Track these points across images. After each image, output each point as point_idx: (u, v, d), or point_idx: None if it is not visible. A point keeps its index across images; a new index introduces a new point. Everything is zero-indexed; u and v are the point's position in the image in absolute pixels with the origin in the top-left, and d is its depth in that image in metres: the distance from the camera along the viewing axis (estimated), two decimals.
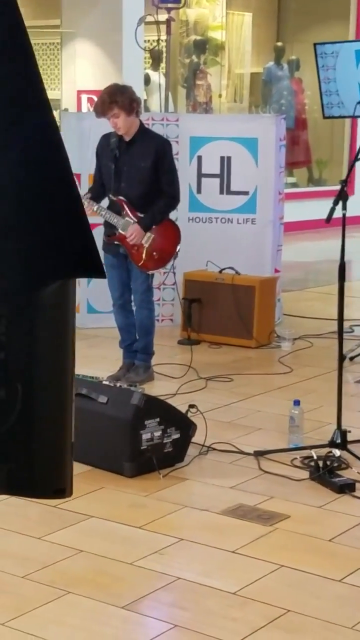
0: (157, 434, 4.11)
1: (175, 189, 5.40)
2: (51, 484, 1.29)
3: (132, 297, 5.57)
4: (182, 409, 4.36)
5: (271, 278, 6.81)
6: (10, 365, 1.29)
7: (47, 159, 1.30)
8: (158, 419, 4.12)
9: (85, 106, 10.97)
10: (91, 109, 10.62)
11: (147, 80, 11.81)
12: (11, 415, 1.28)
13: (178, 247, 5.48)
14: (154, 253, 5.41)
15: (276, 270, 7.08)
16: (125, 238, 5.36)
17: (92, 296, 6.91)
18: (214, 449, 4.40)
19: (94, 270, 1.29)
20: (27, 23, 1.41)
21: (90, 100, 10.91)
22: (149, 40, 11.18)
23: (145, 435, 4.08)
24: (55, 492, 1.30)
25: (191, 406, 4.40)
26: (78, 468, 4.12)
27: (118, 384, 4.34)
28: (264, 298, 6.54)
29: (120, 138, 5.34)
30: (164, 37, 7.77)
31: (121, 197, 5.34)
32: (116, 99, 5.19)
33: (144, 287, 5.50)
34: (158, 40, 7.99)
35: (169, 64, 8.53)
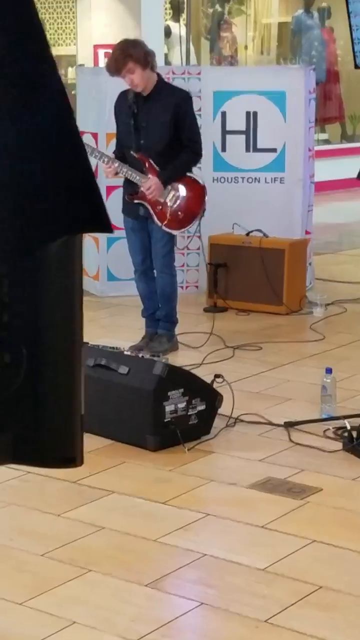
0: (182, 405, 4.12)
1: (198, 144, 5.39)
2: (60, 452, 1.29)
3: (154, 261, 5.56)
4: (208, 379, 4.36)
5: (302, 240, 6.77)
6: (14, 327, 1.29)
7: (54, 122, 1.29)
8: (182, 390, 4.12)
9: (103, 61, 10.90)
10: None
11: (167, 32, 11.71)
12: (17, 379, 1.29)
13: (204, 206, 5.47)
14: (179, 212, 5.40)
15: (307, 233, 7.03)
16: (147, 195, 5.35)
17: (112, 263, 6.91)
18: (242, 421, 4.41)
19: (100, 224, 1.28)
20: None
21: (107, 55, 10.84)
22: None
23: (169, 407, 4.09)
24: (64, 461, 1.30)
25: (217, 376, 4.40)
26: (98, 442, 4.14)
27: (140, 354, 4.34)
28: (294, 262, 6.50)
29: (137, 94, 5.32)
30: None
31: (142, 154, 5.33)
32: (129, 52, 5.17)
33: (165, 250, 5.49)
34: None
35: (191, 15, 8.47)
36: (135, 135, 5.34)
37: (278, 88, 6.83)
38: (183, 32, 9.40)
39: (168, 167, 5.33)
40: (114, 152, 5.54)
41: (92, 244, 6.95)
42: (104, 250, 6.89)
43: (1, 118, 1.30)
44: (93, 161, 5.47)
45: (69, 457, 1.28)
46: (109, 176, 5.43)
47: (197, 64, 11.01)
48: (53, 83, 1.34)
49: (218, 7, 13.10)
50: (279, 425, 4.35)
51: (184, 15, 10.58)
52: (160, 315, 5.62)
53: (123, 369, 4.19)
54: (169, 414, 4.09)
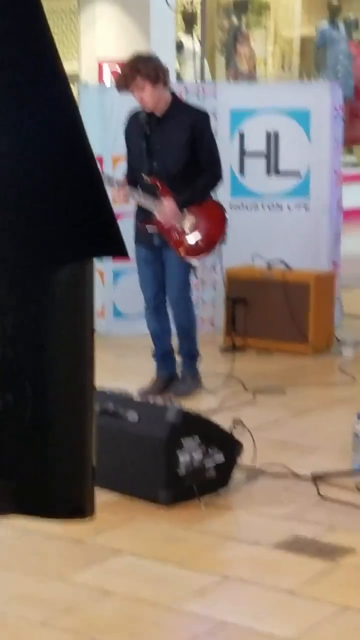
0: (197, 455, 4.11)
1: (217, 166, 5.45)
2: (68, 502, 1.29)
3: (167, 295, 5.59)
4: (227, 426, 4.35)
5: (329, 273, 6.79)
6: (19, 363, 1.29)
7: (62, 134, 1.32)
8: (198, 438, 4.12)
9: (108, 78, 11.04)
10: (114, 81, 10.66)
11: (179, 46, 11.86)
12: (21, 421, 1.29)
13: (225, 232, 5.50)
14: (198, 239, 5.45)
15: (334, 264, 7.05)
16: (162, 223, 5.39)
17: (119, 298, 6.94)
18: (264, 472, 4.39)
19: (115, 248, 1.29)
20: None
21: (113, 71, 10.98)
22: (181, 2, 11.24)
23: (183, 458, 4.08)
24: (73, 512, 1.30)
25: (236, 422, 4.40)
26: (104, 496, 4.13)
27: (150, 399, 4.35)
28: (321, 297, 6.51)
29: (150, 114, 5.39)
30: None
31: (156, 178, 5.38)
32: (138, 67, 5.24)
33: (182, 281, 5.53)
34: (191, 1, 8.01)
35: (205, 28, 8.56)
36: (147, 159, 5.40)
37: (301, 106, 6.90)
38: (196, 46, 9.51)
39: (185, 192, 5.38)
40: (124, 177, 5.59)
41: (96, 277, 6.96)
42: (110, 283, 6.93)
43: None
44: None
45: (78, 508, 1.28)
46: (118, 202, 5.48)
47: (212, 81, 11.14)
48: (59, 93, 1.36)
49: (234, 19, 13.27)
50: (305, 478, 4.33)
51: (197, 28, 10.72)
52: (180, 353, 5.65)
53: (132, 416, 4.19)
54: (184, 465, 4.08)
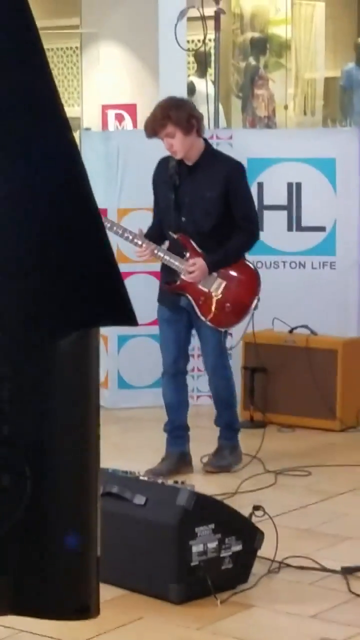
0: (212, 545, 4.07)
1: (254, 223, 5.53)
2: (71, 600, 1.26)
3: (204, 362, 5.67)
4: (245, 512, 4.31)
5: (358, 339, 6.77)
6: (16, 442, 1.28)
7: (62, 187, 1.32)
8: (213, 526, 4.08)
9: (113, 125, 11.17)
10: (120, 127, 10.77)
11: (191, 89, 12.00)
12: (17, 508, 1.27)
13: (257, 297, 5.52)
14: (227, 304, 5.47)
15: None
16: (190, 284, 5.41)
17: (125, 367, 6.94)
18: (288, 566, 4.34)
19: (123, 316, 1.28)
20: (38, 24, 1.46)
21: (118, 116, 11.12)
22: (192, 41, 11.40)
23: (197, 548, 4.04)
24: (77, 612, 1.26)
25: (256, 508, 4.36)
26: (108, 592, 4.06)
27: (160, 480, 4.32)
28: (350, 365, 6.50)
29: (180, 162, 5.45)
30: (211, 35, 7.91)
31: (183, 235, 5.41)
32: (169, 113, 5.33)
33: (217, 348, 5.57)
34: (204, 40, 8.13)
35: (219, 69, 8.67)
36: (175, 212, 5.46)
37: (326, 154, 6.96)
38: (210, 90, 9.61)
39: (217, 252, 5.41)
40: (148, 229, 5.61)
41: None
42: (114, 351, 6.93)
43: None
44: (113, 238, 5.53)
45: (82, 606, 1.25)
46: (142, 258, 5.51)
47: (227, 127, 11.25)
48: (59, 139, 1.36)
49: (252, 60, 13.44)
50: (335, 572, 4.28)
51: (211, 70, 10.87)
52: (219, 424, 5.69)
53: (139, 499, 4.15)
54: (197, 555, 4.03)
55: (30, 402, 1.28)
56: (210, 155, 5.51)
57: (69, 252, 1.27)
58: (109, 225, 5.46)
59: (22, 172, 1.35)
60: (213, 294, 5.46)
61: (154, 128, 5.38)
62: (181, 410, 5.66)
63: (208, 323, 5.47)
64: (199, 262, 5.40)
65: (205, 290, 5.45)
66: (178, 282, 5.47)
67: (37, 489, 1.28)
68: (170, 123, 5.32)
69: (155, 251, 5.45)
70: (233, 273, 5.51)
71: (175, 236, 5.45)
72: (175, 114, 5.32)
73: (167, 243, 5.58)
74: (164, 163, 5.57)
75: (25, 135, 1.35)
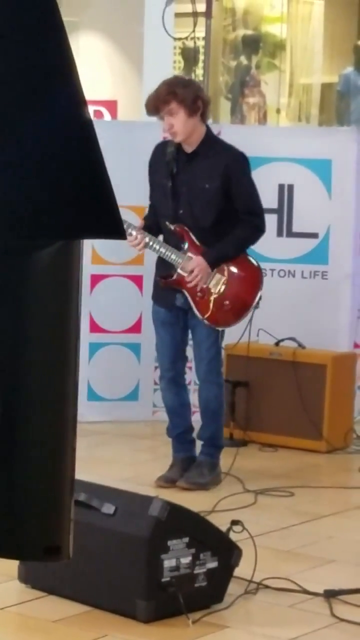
0: (186, 560, 4.07)
1: (258, 217, 5.56)
2: (42, 539, 1.27)
3: (195, 366, 5.66)
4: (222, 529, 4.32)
5: (349, 355, 6.81)
6: None
7: (71, 128, 1.38)
8: (187, 539, 4.08)
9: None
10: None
11: None
12: None
13: (259, 295, 5.54)
14: (225, 302, 5.49)
15: (356, 346, 7.08)
16: (185, 279, 5.43)
17: (95, 377, 6.94)
18: (267, 587, 4.34)
19: (110, 228, 1.30)
20: None
21: (97, 113, 11.16)
22: (180, 39, 11.46)
23: (169, 562, 4.04)
24: (47, 552, 1.28)
25: (234, 522, 4.36)
26: (71, 608, 4.08)
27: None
28: (339, 382, 6.53)
29: (179, 148, 5.46)
30: (201, 33, 7.95)
31: (181, 226, 5.42)
32: (175, 90, 5.35)
33: (212, 353, 5.60)
34: (193, 38, 8.17)
35: (208, 67, 8.71)
36: (172, 202, 5.47)
37: (321, 155, 7.00)
38: None
39: (217, 246, 5.42)
40: (144, 218, 5.64)
41: None
42: (85, 359, 6.93)
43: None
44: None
45: (53, 545, 1.26)
46: (136, 248, 5.51)
47: (215, 122, 11.30)
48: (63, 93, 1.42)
49: (243, 60, 13.51)
50: (317, 594, 4.29)
51: (198, 68, 10.92)
52: (202, 437, 5.70)
53: (108, 508, 4.15)
54: (169, 571, 4.03)
55: (5, 317, 1.29)
56: (212, 143, 5.53)
57: (58, 165, 1.30)
58: None
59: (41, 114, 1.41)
60: (212, 291, 5.48)
61: (156, 104, 5.40)
62: (184, 413, 5.70)
63: (205, 322, 5.50)
64: (199, 263, 5.41)
65: (204, 286, 5.47)
66: (174, 277, 5.49)
67: (8, 417, 1.30)
68: (175, 100, 5.34)
69: (151, 243, 5.44)
70: (233, 268, 5.53)
71: (172, 227, 5.47)
72: (181, 91, 5.36)
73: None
74: (161, 147, 5.60)
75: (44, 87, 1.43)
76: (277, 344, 6.65)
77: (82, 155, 1.33)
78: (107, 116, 11.28)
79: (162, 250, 5.46)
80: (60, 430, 1.31)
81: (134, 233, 5.43)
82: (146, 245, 5.44)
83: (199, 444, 5.77)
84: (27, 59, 1.40)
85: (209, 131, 5.55)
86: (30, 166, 1.30)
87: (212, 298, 5.47)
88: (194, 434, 5.73)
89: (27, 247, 1.27)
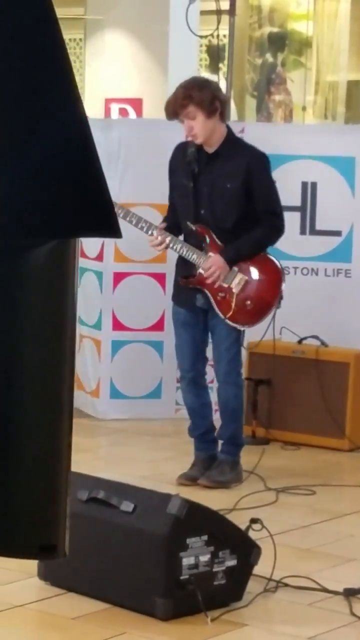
0: (205, 558, 4.07)
1: (278, 217, 5.56)
2: (37, 537, 1.26)
3: (216, 367, 5.65)
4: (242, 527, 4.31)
5: None
6: None
7: (70, 145, 1.39)
8: (206, 537, 4.08)
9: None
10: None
11: None
12: None
13: (281, 295, 5.58)
14: (247, 302, 5.50)
15: None
16: (206, 279, 5.44)
17: (118, 375, 6.95)
18: (287, 585, 4.34)
19: (105, 227, 1.30)
20: None
21: (122, 111, 11.18)
22: (204, 36, 11.45)
23: (187, 560, 4.04)
24: (42, 550, 1.27)
25: (254, 521, 4.36)
26: (90, 605, 4.08)
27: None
28: None
29: (200, 149, 5.48)
30: (225, 31, 7.95)
31: (202, 226, 5.44)
32: (191, 93, 5.37)
33: (231, 353, 5.60)
34: (217, 35, 8.15)
35: (233, 65, 8.70)
36: (194, 203, 5.49)
37: (345, 152, 6.98)
38: (222, 86, 9.67)
39: (235, 243, 5.45)
40: (164, 220, 5.65)
41: (91, 348, 7.00)
42: (108, 357, 6.94)
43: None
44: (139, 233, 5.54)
45: (48, 544, 1.26)
46: (157, 249, 5.53)
47: (239, 120, 11.30)
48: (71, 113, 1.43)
49: (269, 57, 13.49)
50: (336, 593, 4.28)
51: (224, 65, 10.92)
52: (223, 436, 5.71)
53: (127, 506, 4.16)
54: (187, 569, 4.03)
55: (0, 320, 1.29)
56: (233, 143, 5.54)
57: (51, 155, 1.31)
58: (122, 213, 5.48)
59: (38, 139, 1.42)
60: (234, 290, 5.48)
61: (174, 109, 5.42)
62: (205, 413, 5.71)
63: (227, 321, 5.50)
64: (217, 260, 5.42)
65: (225, 285, 5.48)
66: (196, 276, 5.50)
67: (3, 409, 1.30)
68: (192, 103, 5.36)
69: (171, 244, 5.46)
70: (255, 268, 5.54)
71: (193, 227, 5.48)
72: (198, 94, 5.36)
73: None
74: (181, 148, 5.61)
75: (40, 107, 1.44)
76: (299, 342, 6.65)
77: (79, 154, 1.33)
78: (132, 114, 11.31)
79: (184, 250, 5.48)
80: (56, 428, 1.30)
81: (155, 234, 5.45)
82: (167, 245, 5.47)
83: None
84: (24, 59, 1.40)
85: (229, 131, 5.56)
86: (28, 166, 1.31)
87: (234, 297, 5.47)
88: (215, 433, 5.73)
89: (23, 246, 1.27)
